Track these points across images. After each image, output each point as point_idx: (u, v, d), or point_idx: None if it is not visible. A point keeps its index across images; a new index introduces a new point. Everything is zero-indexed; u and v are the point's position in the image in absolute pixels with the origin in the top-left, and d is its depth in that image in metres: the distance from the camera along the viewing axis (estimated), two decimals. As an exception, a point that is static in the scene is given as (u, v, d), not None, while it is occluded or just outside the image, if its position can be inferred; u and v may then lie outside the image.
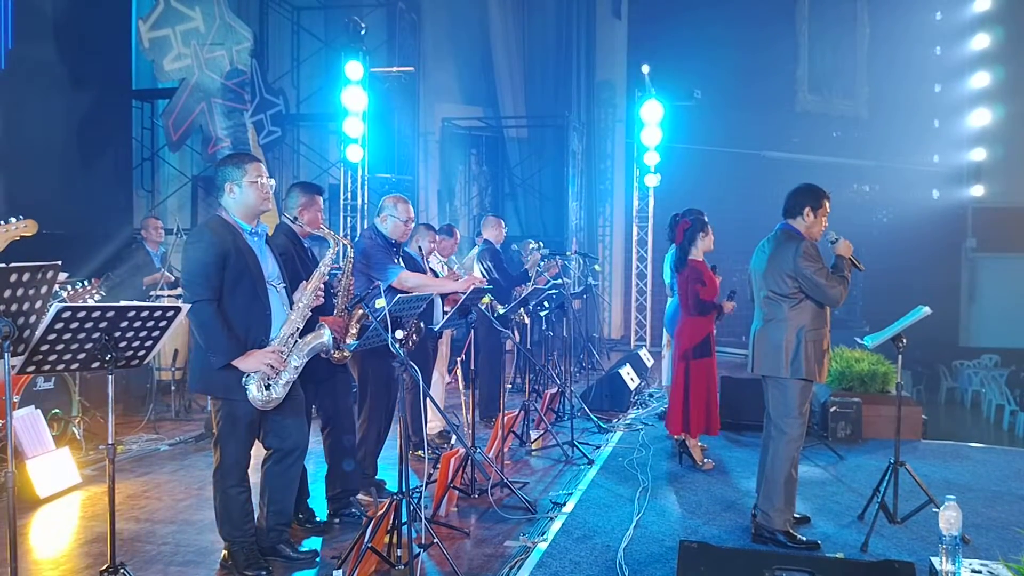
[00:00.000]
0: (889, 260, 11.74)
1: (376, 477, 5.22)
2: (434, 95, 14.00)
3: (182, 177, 10.82)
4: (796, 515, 4.63)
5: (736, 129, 13.37)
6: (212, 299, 3.66)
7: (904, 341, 4.76)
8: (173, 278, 7.58)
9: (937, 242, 12.59)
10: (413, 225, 5.31)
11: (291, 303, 3.96)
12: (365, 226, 6.67)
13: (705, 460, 5.97)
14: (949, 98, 13.87)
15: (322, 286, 4.00)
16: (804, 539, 4.41)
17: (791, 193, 4.59)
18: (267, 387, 3.75)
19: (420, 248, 6.01)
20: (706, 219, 5.96)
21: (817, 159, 12.75)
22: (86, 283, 4.31)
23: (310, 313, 3.94)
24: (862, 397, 7.02)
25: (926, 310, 4.77)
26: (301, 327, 3.88)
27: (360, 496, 4.98)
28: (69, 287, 4.22)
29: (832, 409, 6.85)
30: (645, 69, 12.76)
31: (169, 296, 7.27)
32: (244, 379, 3.72)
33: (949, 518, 3.34)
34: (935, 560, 3.38)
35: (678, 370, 5.97)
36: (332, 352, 4.17)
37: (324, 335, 3.91)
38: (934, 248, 12.47)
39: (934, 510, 4.21)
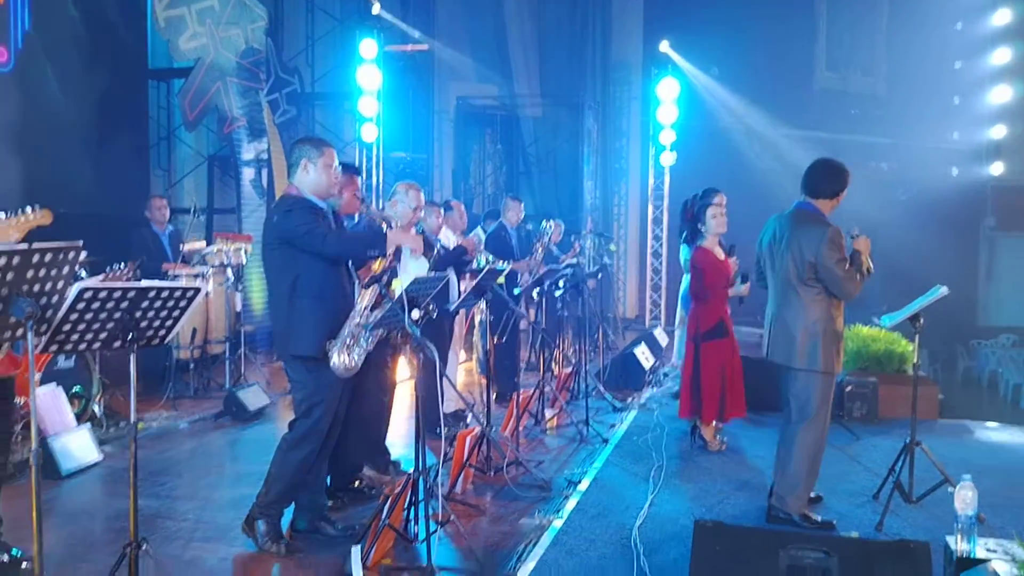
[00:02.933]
0: (906, 239, 11.63)
1: (392, 457, 5.28)
2: (448, 73, 13.95)
3: (198, 156, 10.83)
4: (811, 495, 4.62)
5: (753, 107, 13.25)
6: (328, 231, 3.87)
7: (921, 321, 4.72)
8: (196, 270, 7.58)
9: (955, 221, 12.47)
10: (423, 213, 5.36)
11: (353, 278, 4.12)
12: (380, 206, 6.69)
13: (716, 440, 5.92)
14: (969, 75, 13.67)
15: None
16: (819, 519, 4.41)
17: (820, 173, 4.34)
18: (348, 351, 3.87)
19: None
20: (714, 197, 5.77)
21: (835, 137, 12.62)
22: (122, 266, 4.34)
23: (379, 291, 4.04)
24: (878, 377, 6.99)
25: (943, 290, 4.74)
26: (373, 301, 4.01)
27: (366, 471, 5.03)
28: (108, 268, 4.26)
29: (848, 389, 6.84)
30: (664, 45, 12.65)
31: (187, 275, 7.32)
32: (328, 346, 3.85)
33: (965, 497, 3.35)
34: (950, 539, 3.38)
35: (688, 352, 5.89)
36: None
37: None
38: (952, 227, 12.35)
39: (950, 490, 4.21)
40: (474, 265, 6.22)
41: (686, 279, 6.74)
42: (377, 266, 4.00)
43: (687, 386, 5.86)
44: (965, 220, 12.59)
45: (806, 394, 4.30)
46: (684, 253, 6.63)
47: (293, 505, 4.18)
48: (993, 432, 6.72)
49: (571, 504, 4.71)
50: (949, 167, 13.58)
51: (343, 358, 3.88)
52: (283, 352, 4.05)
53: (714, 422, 5.90)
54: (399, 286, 3.97)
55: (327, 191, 4.02)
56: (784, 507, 4.40)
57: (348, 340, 3.90)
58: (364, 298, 4.01)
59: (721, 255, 5.82)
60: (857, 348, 7.35)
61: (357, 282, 4.11)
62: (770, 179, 11.38)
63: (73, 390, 5.96)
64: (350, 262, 4.11)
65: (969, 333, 11.56)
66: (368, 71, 10.40)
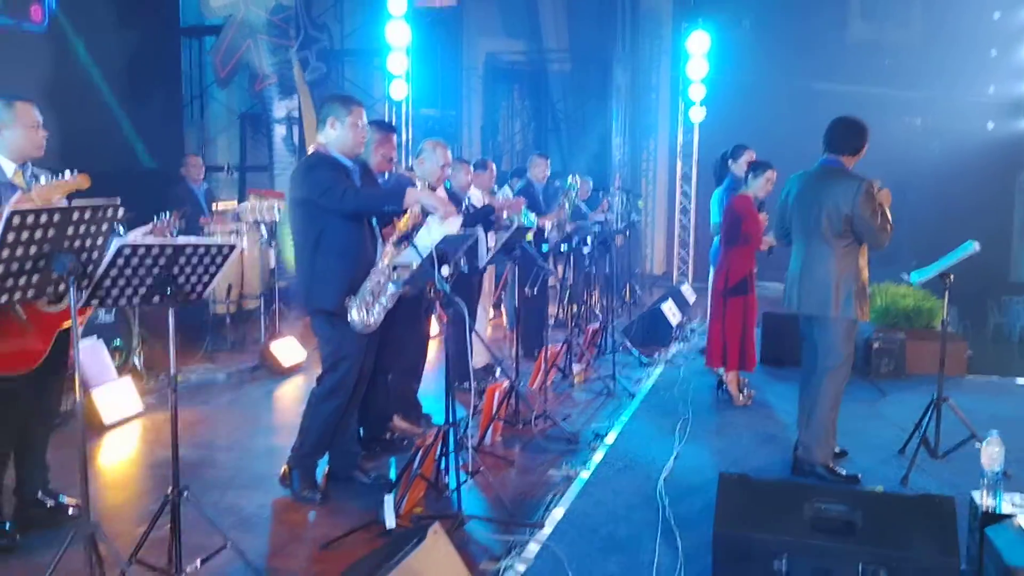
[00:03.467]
0: (939, 193, 11.42)
1: (423, 410, 5.38)
2: (477, 29, 13.83)
3: (230, 114, 10.90)
4: (836, 450, 4.67)
5: (785, 60, 13.00)
6: (350, 186, 3.89)
7: (951, 277, 4.69)
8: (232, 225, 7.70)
9: (990, 175, 12.19)
10: (449, 171, 5.38)
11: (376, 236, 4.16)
12: (408, 163, 6.71)
13: (743, 392, 6.01)
14: (1008, 26, 13.25)
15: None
16: (844, 473, 4.47)
17: (841, 129, 4.42)
18: (367, 310, 3.93)
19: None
20: (767, 171, 5.81)
21: (867, 90, 12.36)
22: (167, 215, 4.42)
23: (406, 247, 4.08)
24: (907, 333, 6.97)
25: (975, 246, 4.69)
26: (396, 260, 4.06)
27: (397, 422, 5.14)
28: (155, 218, 4.35)
29: (875, 345, 6.82)
30: None
31: (222, 231, 7.43)
32: (347, 301, 3.91)
33: (991, 453, 3.36)
34: (976, 494, 3.40)
35: (716, 305, 6.01)
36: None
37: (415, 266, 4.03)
38: (986, 181, 12.07)
39: (976, 445, 4.22)
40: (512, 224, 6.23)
41: (717, 239, 6.74)
42: (403, 224, 4.04)
43: (716, 338, 5.94)
44: (1000, 175, 12.29)
45: (836, 342, 4.39)
46: (716, 212, 6.59)
47: (327, 455, 4.30)
48: (1022, 388, 6.68)
49: (598, 456, 4.79)
50: (985, 121, 13.26)
51: (362, 315, 3.94)
52: (307, 306, 4.13)
53: (738, 375, 5.98)
54: (430, 243, 4.01)
55: (353, 149, 4.05)
56: (810, 457, 4.46)
57: (368, 297, 3.96)
58: (387, 256, 4.06)
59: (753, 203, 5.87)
60: (885, 304, 7.31)
61: (381, 241, 4.15)
62: (801, 134, 11.19)
63: (113, 344, 6.11)
64: (375, 221, 4.15)
65: (1001, 289, 11.37)
66: (397, 27, 10.35)
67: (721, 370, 6.06)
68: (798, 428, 4.63)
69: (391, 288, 4.01)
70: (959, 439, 4.75)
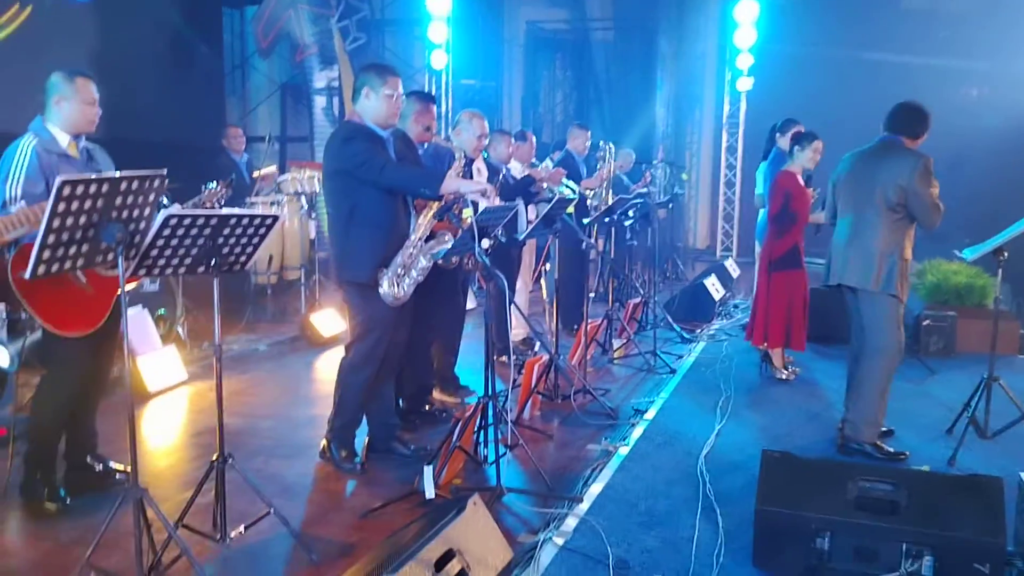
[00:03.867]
0: (994, 167, 11.10)
1: (461, 383, 5.40)
2: (518, -3, 13.70)
3: (271, 84, 10.95)
4: (883, 428, 4.60)
5: (836, 29, 12.68)
6: (388, 161, 3.88)
7: (1005, 254, 4.57)
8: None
9: (1049, 149, 11.84)
10: (487, 141, 5.34)
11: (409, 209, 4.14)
12: (447, 134, 6.68)
13: (787, 369, 5.93)
14: (1072, -7, 12.81)
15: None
16: (891, 450, 4.41)
17: (904, 115, 4.42)
18: (399, 283, 3.94)
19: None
20: (814, 141, 5.69)
21: (922, 61, 12.03)
22: (215, 185, 4.46)
23: (436, 221, 4.08)
24: (958, 311, 6.82)
25: (1032, 221, 4.56)
26: (428, 232, 4.06)
27: (436, 394, 5.16)
28: (204, 188, 4.39)
29: (925, 323, 6.70)
30: None
31: (263, 203, 7.48)
32: (379, 273, 3.92)
33: (1043, 435, 3.28)
34: (1025, 475, 3.34)
35: (761, 281, 5.92)
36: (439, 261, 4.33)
37: (447, 242, 4.03)
38: (1045, 156, 11.73)
39: (1027, 426, 4.13)
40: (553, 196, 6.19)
41: (763, 213, 6.63)
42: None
43: (760, 313, 5.86)
44: (1059, 148, 11.92)
45: (880, 318, 4.35)
46: (762, 184, 6.49)
47: (367, 426, 4.34)
48: (1077, 369, 6.49)
49: (637, 432, 4.76)
50: (1044, 93, 12.85)
51: (393, 288, 3.94)
52: (339, 277, 4.15)
53: (783, 352, 5.89)
54: (470, 215, 3.99)
55: (387, 119, 4.00)
56: (857, 436, 4.41)
57: (399, 270, 3.95)
58: (420, 229, 4.04)
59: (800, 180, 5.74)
60: (937, 281, 7.16)
61: (414, 213, 4.14)
62: (852, 106, 10.94)
63: (158, 313, 6.21)
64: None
65: (1058, 266, 11.07)
66: (438, -4, 10.29)
67: (763, 346, 5.98)
68: (845, 406, 4.57)
69: (422, 262, 4.00)
70: (1009, 420, 4.65)
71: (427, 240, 4.07)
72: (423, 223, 4.07)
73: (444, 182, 3.85)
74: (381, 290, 3.93)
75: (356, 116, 4.02)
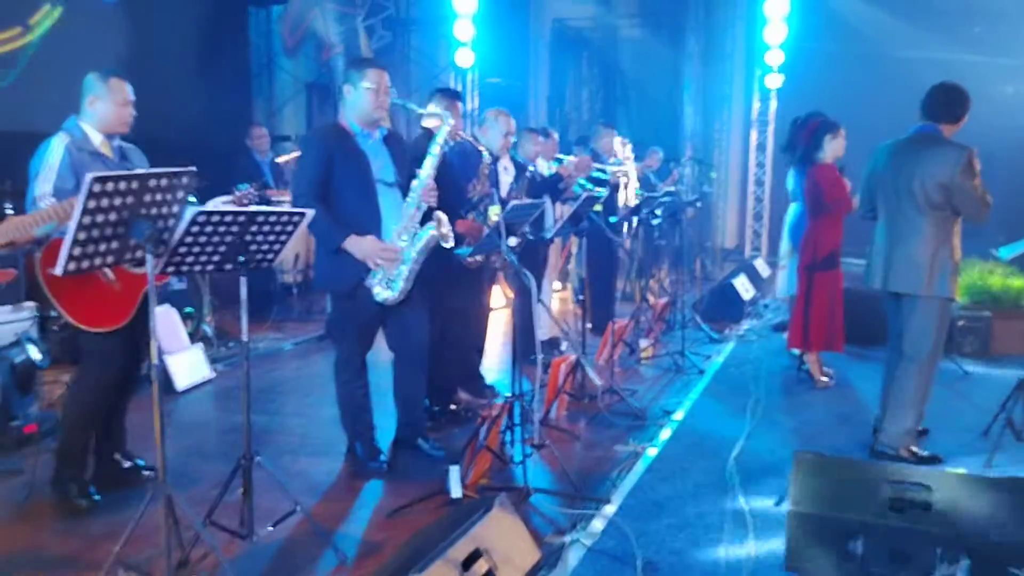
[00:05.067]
0: (1031, 167, 10.92)
1: (488, 382, 5.37)
2: (545, -7, 13.65)
3: (297, 84, 10.97)
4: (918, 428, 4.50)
5: (868, 26, 12.52)
6: (312, 197, 3.77)
7: (1043, 253, 4.48)
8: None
9: (1085, 147, 11.61)
10: (513, 139, 5.29)
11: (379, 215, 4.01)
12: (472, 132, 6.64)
13: (825, 376, 5.80)
14: (1109, -12, 12.56)
15: (433, 186, 4.00)
16: (925, 453, 4.31)
17: (941, 97, 4.19)
18: (388, 285, 3.88)
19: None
20: (837, 129, 5.58)
21: (957, 57, 11.84)
22: (247, 186, 4.48)
23: (420, 213, 3.97)
24: (993, 311, 6.70)
25: (1070, 221, 4.45)
26: (410, 229, 3.94)
27: (460, 393, 5.13)
28: (235, 189, 4.42)
29: (960, 323, 6.58)
30: None
31: (288, 200, 7.50)
32: (368, 279, 3.86)
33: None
34: (1064, 480, 3.25)
35: (801, 282, 5.73)
36: (457, 250, 4.28)
37: (435, 230, 3.92)
38: (1082, 154, 11.51)
39: (1066, 430, 4.03)
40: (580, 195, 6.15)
41: (793, 208, 6.53)
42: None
43: (799, 316, 5.71)
44: (1096, 147, 11.69)
45: (928, 324, 4.19)
46: (793, 180, 6.40)
47: (395, 424, 4.32)
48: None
49: (665, 433, 4.71)
50: (1081, 90, 12.62)
51: (384, 293, 3.90)
52: (312, 284, 4.16)
53: (818, 356, 5.78)
54: (498, 212, 3.96)
55: (371, 115, 3.90)
56: (891, 442, 4.31)
57: (385, 274, 3.89)
58: (400, 236, 3.93)
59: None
60: (971, 281, 7.02)
61: (403, 217, 3.96)
62: (884, 103, 10.79)
63: (185, 310, 6.25)
64: (379, 198, 3.95)
65: (1094, 267, 10.84)
66: (463, -7, 10.27)
67: (801, 351, 5.84)
68: (880, 414, 4.46)
69: (412, 253, 3.91)
70: (1048, 423, 4.55)
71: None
72: (404, 218, 3.94)
73: (348, 242, 3.77)
74: (377, 296, 3.90)
75: (341, 115, 3.99)
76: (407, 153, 4.18)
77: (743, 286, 8.39)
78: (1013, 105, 12.46)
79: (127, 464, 3.94)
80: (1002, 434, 4.43)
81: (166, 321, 5.68)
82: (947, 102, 4.19)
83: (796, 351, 5.92)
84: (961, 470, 4.06)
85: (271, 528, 3.28)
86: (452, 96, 4.80)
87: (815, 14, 12.77)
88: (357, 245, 3.81)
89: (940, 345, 4.24)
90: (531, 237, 4.20)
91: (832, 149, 5.56)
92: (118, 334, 3.52)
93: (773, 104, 13.20)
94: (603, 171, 6.70)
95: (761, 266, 10.14)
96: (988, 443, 4.46)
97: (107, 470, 3.87)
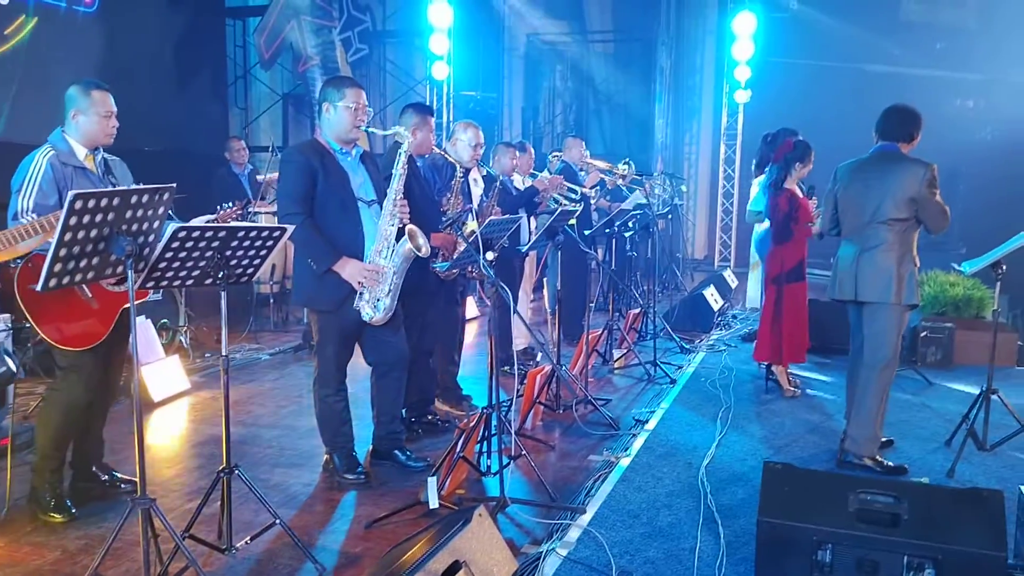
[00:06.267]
0: (990, 178, 11.16)
1: (463, 392, 5.43)
2: (520, 9, 13.76)
3: (273, 95, 10.99)
4: (882, 439, 4.62)
5: (833, 42, 12.78)
6: (302, 213, 3.83)
7: (1003, 267, 4.61)
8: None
9: (1044, 161, 11.92)
10: (482, 151, 5.35)
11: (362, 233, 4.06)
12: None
13: (792, 386, 5.91)
14: (1068, 6, 12.91)
15: (405, 201, 4.04)
16: (891, 464, 4.42)
17: (895, 117, 4.41)
18: (375, 306, 3.93)
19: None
20: (811, 155, 5.74)
21: (919, 72, 12.11)
22: (231, 205, 4.50)
23: (394, 230, 4.01)
24: (955, 322, 6.86)
25: (1030, 236, 4.61)
26: (388, 245, 3.98)
27: (437, 404, 5.18)
28: (219, 207, 4.44)
29: (923, 334, 6.73)
30: None
31: (267, 213, 7.51)
32: (356, 302, 3.92)
33: (1042, 448, 3.31)
34: (1024, 488, 3.36)
35: (769, 295, 5.87)
36: (433, 263, 4.32)
37: (409, 243, 3.96)
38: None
39: (1026, 439, 4.16)
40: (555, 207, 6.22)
41: (762, 227, 6.66)
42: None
43: (767, 329, 5.82)
44: (1054, 159, 12.00)
45: (889, 330, 4.34)
46: (757, 202, 6.52)
47: (372, 435, 4.37)
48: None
49: (639, 443, 4.79)
50: (1040, 104, 12.94)
51: (373, 314, 3.95)
52: (292, 298, 4.18)
53: (787, 367, 5.90)
54: (475, 227, 4.02)
55: (347, 133, 3.97)
56: (858, 450, 4.42)
57: (371, 294, 3.94)
58: (379, 253, 3.96)
59: (800, 194, 5.75)
60: (935, 293, 7.19)
61: (384, 236, 4.00)
62: (849, 117, 11.01)
63: (160, 322, 6.24)
64: (362, 214, 4.00)
65: (1054, 278, 11.11)
66: (439, 8, 10.35)
67: (769, 363, 5.96)
68: (846, 419, 4.59)
69: (393, 268, 3.96)
70: (1007, 432, 4.68)
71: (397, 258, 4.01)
72: (379, 237, 3.97)
73: (339, 264, 3.85)
74: (366, 317, 3.96)
75: (318, 132, 4.04)
76: (381, 172, 4.24)
77: (712, 296, 8.52)
78: (974, 120, 12.77)
79: (104, 477, 3.94)
80: (965, 443, 4.55)
81: (142, 333, 5.66)
82: (901, 122, 4.40)
83: (766, 364, 6.01)
84: (924, 479, 4.17)
85: (249, 541, 3.29)
86: (424, 111, 4.84)
87: (781, 31, 13.02)
88: (343, 267, 3.87)
89: (896, 350, 4.39)
90: (506, 246, 4.25)
91: (800, 174, 5.73)
92: (93, 353, 3.53)
93: (741, 118, 13.41)
94: (574, 191, 6.81)
95: (730, 276, 10.28)
96: (951, 452, 4.58)
97: (84, 483, 3.87)
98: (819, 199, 5.77)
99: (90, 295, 3.47)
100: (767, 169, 6.33)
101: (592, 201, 7.60)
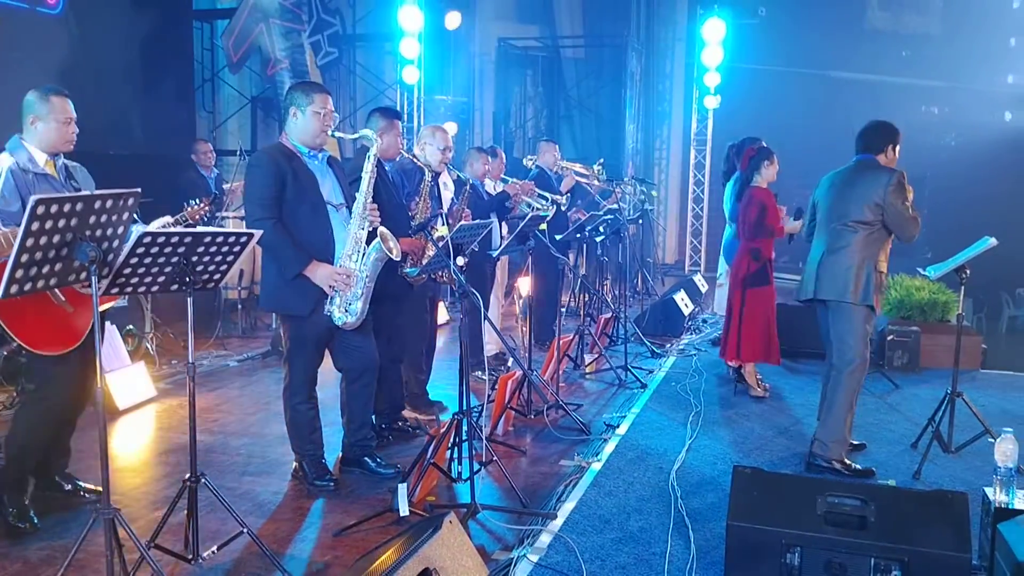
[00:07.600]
0: (955, 184, 11.35)
1: (433, 398, 5.40)
2: (490, 14, 13.77)
3: (242, 98, 10.89)
4: (852, 442, 4.67)
5: (801, 48, 12.93)
6: (271, 217, 3.79)
7: (967, 272, 4.70)
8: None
9: (1007, 166, 12.10)
10: (451, 155, 5.33)
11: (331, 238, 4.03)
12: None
13: (760, 386, 5.99)
14: (1028, 15, 13.16)
15: (374, 205, 4.03)
16: (858, 467, 4.47)
17: (872, 131, 4.58)
18: (347, 309, 3.90)
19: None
20: (772, 155, 5.84)
21: (884, 79, 12.29)
22: (198, 202, 4.43)
23: (365, 233, 3.99)
24: (921, 326, 6.95)
25: (992, 241, 4.69)
26: (358, 249, 3.96)
27: (407, 411, 5.16)
28: (186, 205, 4.37)
29: (890, 338, 6.82)
30: None
31: (234, 218, 7.44)
32: (327, 306, 3.89)
33: (1005, 450, 3.36)
34: (988, 491, 3.40)
35: (734, 297, 5.93)
36: (402, 267, 4.30)
37: (382, 246, 3.95)
38: (1003, 172, 12.00)
39: (990, 440, 4.22)
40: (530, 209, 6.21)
41: (730, 230, 6.72)
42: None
43: (733, 330, 5.90)
44: (1017, 165, 12.19)
45: (852, 331, 4.42)
46: (729, 202, 6.58)
47: (341, 443, 4.33)
48: (1037, 383, 6.65)
49: (610, 447, 4.80)
50: (1003, 111, 13.18)
51: (345, 318, 3.93)
52: (259, 303, 4.13)
53: (755, 367, 5.95)
54: (445, 232, 4.00)
55: (315, 137, 3.95)
56: (826, 453, 4.47)
57: (343, 299, 3.92)
58: (350, 257, 3.95)
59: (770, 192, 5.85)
60: (900, 297, 7.29)
61: (358, 241, 3.99)
62: (816, 123, 11.16)
63: (126, 328, 6.14)
64: (333, 219, 3.98)
65: (1017, 282, 11.30)
66: (409, 12, 10.32)
67: (737, 363, 6.02)
68: (817, 421, 4.64)
69: (364, 272, 3.95)
70: (972, 434, 4.75)
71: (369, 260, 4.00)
72: (349, 241, 3.95)
73: (310, 268, 3.81)
74: (337, 321, 3.93)
75: (284, 136, 4.00)
76: (347, 176, 4.21)
77: (683, 301, 8.56)
78: (938, 126, 12.98)
79: (68, 486, 3.87)
80: (930, 446, 4.62)
81: (107, 339, 5.58)
82: (876, 134, 4.57)
83: (734, 364, 6.07)
84: (891, 482, 4.22)
85: (216, 550, 3.25)
86: (390, 115, 4.81)
87: (750, 38, 13.16)
88: (314, 271, 3.84)
89: (863, 353, 4.44)
90: (475, 250, 4.24)
91: (767, 175, 5.80)
92: (70, 357, 3.47)
93: (711, 124, 13.52)
94: (544, 197, 6.83)
95: (700, 281, 10.34)
96: (917, 454, 4.64)
97: (46, 492, 3.79)
98: (783, 205, 5.88)
99: (64, 299, 3.41)
100: (734, 177, 6.42)
101: (568, 212, 7.61)
